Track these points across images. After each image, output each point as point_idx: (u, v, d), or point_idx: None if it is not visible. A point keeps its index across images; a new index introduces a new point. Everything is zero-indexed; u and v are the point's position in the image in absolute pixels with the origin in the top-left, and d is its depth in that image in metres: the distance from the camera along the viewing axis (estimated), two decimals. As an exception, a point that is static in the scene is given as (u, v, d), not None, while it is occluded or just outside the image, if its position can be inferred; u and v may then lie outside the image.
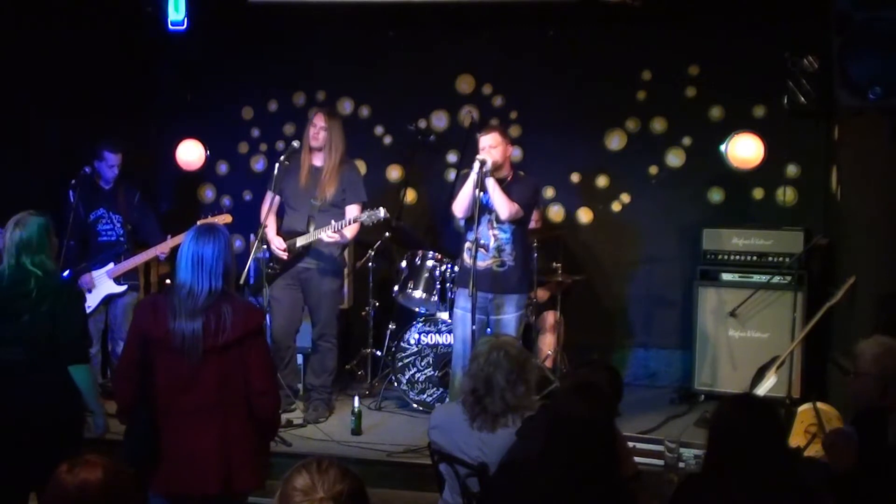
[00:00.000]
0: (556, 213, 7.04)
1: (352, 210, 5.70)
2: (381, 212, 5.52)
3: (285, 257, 5.71)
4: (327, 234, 5.53)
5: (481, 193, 5.16)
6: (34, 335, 3.75)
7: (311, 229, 5.64)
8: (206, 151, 7.15)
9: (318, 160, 5.75)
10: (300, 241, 5.67)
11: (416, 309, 6.26)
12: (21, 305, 3.75)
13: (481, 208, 5.19)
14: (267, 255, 5.85)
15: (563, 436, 2.75)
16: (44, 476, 2.39)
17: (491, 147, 5.29)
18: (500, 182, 5.32)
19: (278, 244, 5.72)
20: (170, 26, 6.40)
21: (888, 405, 3.42)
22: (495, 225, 5.36)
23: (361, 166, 7.27)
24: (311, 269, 5.77)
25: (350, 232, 5.64)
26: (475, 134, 5.65)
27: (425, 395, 6.02)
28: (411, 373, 6.05)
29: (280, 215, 5.92)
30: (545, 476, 2.70)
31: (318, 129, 5.70)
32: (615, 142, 6.93)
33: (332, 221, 5.57)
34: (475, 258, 5.08)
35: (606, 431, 2.82)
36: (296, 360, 6.06)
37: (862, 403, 3.59)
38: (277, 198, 5.86)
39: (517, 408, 3.45)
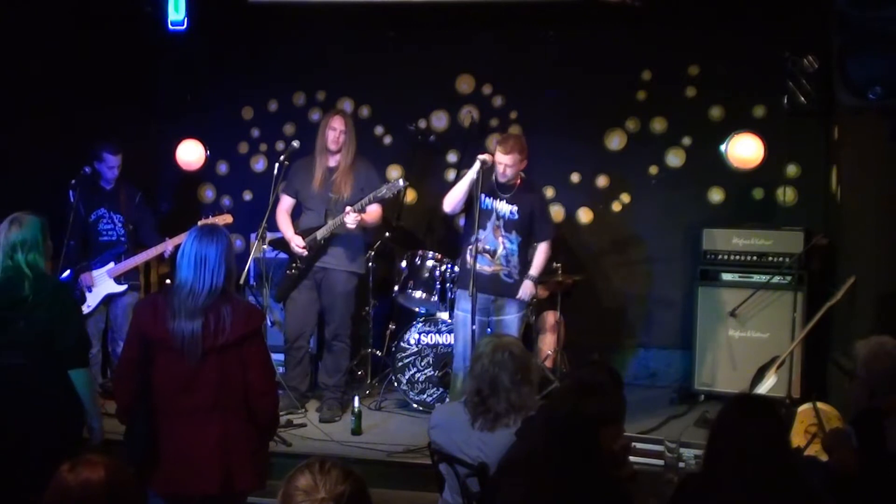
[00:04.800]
0: (556, 213, 7.03)
1: (373, 209, 5.70)
2: (401, 182, 5.55)
3: (306, 254, 5.70)
4: (351, 218, 5.50)
5: (488, 199, 5.18)
6: (31, 341, 3.74)
7: (329, 222, 5.64)
8: (206, 151, 7.13)
9: (332, 162, 5.76)
10: (320, 234, 5.67)
11: (416, 309, 6.26)
12: (17, 310, 3.73)
13: (485, 212, 5.20)
14: (270, 254, 5.85)
15: (558, 435, 2.75)
16: (44, 482, 2.38)
17: (507, 166, 5.29)
18: (508, 190, 5.32)
19: (298, 242, 5.72)
20: (170, 26, 6.41)
21: (884, 408, 3.43)
22: (503, 233, 5.38)
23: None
24: (328, 270, 5.77)
25: (372, 215, 5.65)
26: (493, 143, 5.63)
27: (425, 395, 6.02)
28: (411, 373, 6.05)
29: (295, 218, 5.92)
30: (541, 475, 2.70)
31: (339, 132, 5.70)
32: (615, 142, 6.93)
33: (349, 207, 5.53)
34: (475, 259, 5.09)
35: (605, 431, 2.81)
36: (307, 361, 6.05)
37: (855, 405, 3.61)
38: (292, 200, 5.87)
39: (521, 408, 3.44)
